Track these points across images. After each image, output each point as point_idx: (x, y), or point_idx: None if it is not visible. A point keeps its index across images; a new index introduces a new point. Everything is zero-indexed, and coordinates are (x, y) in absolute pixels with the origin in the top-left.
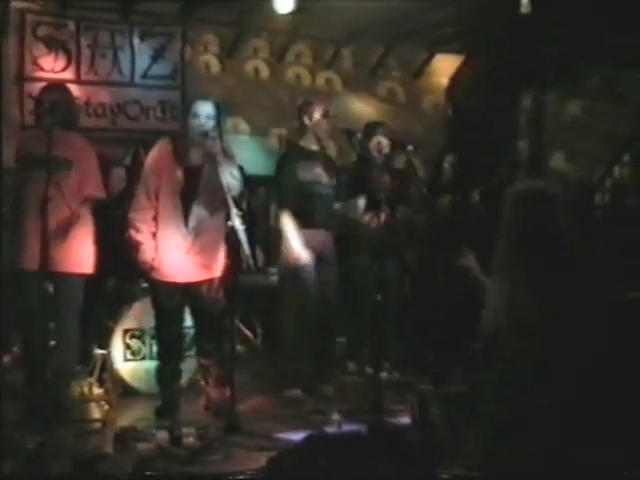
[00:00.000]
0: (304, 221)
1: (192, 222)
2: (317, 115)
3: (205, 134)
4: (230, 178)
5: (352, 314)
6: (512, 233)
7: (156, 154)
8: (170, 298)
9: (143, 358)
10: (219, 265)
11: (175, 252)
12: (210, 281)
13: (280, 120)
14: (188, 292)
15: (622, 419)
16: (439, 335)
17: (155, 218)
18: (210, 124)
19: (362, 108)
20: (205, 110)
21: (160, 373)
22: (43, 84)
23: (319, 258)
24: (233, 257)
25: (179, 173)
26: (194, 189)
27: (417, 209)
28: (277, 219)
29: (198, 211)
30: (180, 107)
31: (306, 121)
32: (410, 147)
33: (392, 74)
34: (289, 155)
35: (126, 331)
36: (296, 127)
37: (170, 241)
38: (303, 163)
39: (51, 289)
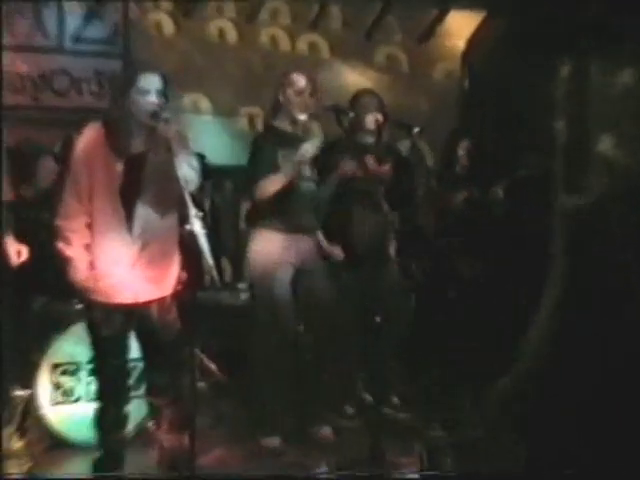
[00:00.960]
0: (284, 224)
1: (137, 227)
2: (292, 91)
3: (156, 115)
4: (188, 169)
5: (344, 340)
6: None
7: (85, 143)
8: (112, 323)
9: (77, 400)
10: (173, 280)
11: (117, 266)
12: (162, 300)
13: (252, 96)
14: (134, 315)
15: None
16: (452, 367)
17: (90, 226)
18: (162, 102)
19: (355, 80)
20: (155, 84)
21: (100, 418)
22: None
23: (300, 270)
24: (192, 270)
25: (117, 165)
26: (137, 185)
27: (424, 208)
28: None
29: (144, 213)
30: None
31: (280, 97)
32: (416, 129)
33: (393, 37)
34: (267, 139)
35: (56, 366)
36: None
37: (110, 253)
38: (283, 150)
39: None
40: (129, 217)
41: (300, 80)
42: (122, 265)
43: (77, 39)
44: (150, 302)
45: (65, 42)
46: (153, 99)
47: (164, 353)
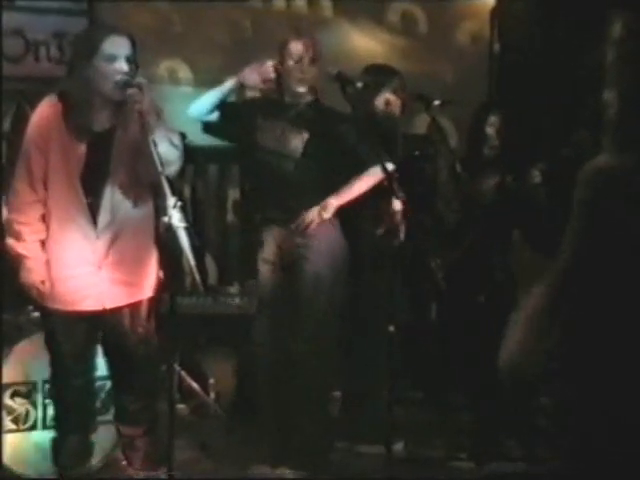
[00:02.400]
0: (268, 215)
1: (104, 219)
2: (289, 59)
3: (127, 84)
4: (168, 147)
5: (347, 354)
6: (577, 226)
7: (38, 121)
8: (74, 335)
9: (32, 427)
10: (148, 283)
11: (79, 266)
12: (135, 307)
13: (240, 63)
14: (101, 325)
15: None
16: (481, 385)
17: (44, 218)
18: (132, 69)
19: (363, 44)
20: (124, 48)
21: (59, 449)
22: None
23: (294, 273)
24: (169, 271)
25: (78, 146)
26: (103, 168)
27: (447, 196)
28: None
29: (113, 202)
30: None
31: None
32: (436, 102)
33: None
34: (244, 104)
35: (5, 386)
36: None
37: (71, 250)
38: (263, 121)
39: None
40: (94, 207)
41: (297, 45)
42: (85, 264)
43: None
44: (120, 310)
45: None
46: (122, 66)
47: (137, 371)
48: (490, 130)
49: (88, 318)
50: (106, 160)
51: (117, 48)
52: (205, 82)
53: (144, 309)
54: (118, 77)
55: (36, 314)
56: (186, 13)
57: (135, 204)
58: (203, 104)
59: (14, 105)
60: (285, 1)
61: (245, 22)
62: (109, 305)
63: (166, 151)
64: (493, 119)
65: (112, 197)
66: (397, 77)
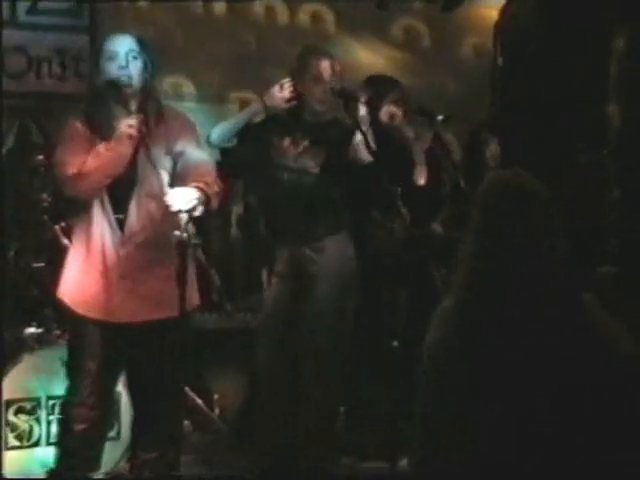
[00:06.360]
0: (281, 234)
1: (131, 227)
2: (310, 77)
3: (120, 80)
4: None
5: (347, 370)
6: (474, 233)
7: (65, 133)
8: (98, 347)
9: (36, 444)
10: (174, 301)
11: (105, 274)
12: (160, 327)
13: (243, 78)
14: (125, 343)
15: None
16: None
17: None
18: (136, 65)
19: (366, 58)
20: (125, 45)
21: (63, 464)
22: None
23: (305, 291)
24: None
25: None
26: (131, 175)
27: (451, 212)
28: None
29: (141, 210)
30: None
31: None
32: (440, 117)
33: (412, 6)
34: (259, 126)
35: (9, 403)
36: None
37: (97, 258)
38: (280, 139)
39: None
40: (120, 216)
41: (321, 65)
42: (109, 273)
43: (34, 11)
44: (145, 327)
45: (19, 14)
46: (121, 62)
47: (159, 398)
48: (488, 153)
49: (115, 332)
50: (134, 166)
51: (117, 45)
52: (209, 97)
53: (171, 329)
54: (117, 72)
55: (39, 330)
56: (189, 29)
57: (164, 213)
58: (226, 131)
59: (17, 122)
60: (289, 16)
61: (248, 37)
62: (128, 319)
63: (192, 152)
64: (489, 141)
65: (140, 205)
66: (398, 87)
